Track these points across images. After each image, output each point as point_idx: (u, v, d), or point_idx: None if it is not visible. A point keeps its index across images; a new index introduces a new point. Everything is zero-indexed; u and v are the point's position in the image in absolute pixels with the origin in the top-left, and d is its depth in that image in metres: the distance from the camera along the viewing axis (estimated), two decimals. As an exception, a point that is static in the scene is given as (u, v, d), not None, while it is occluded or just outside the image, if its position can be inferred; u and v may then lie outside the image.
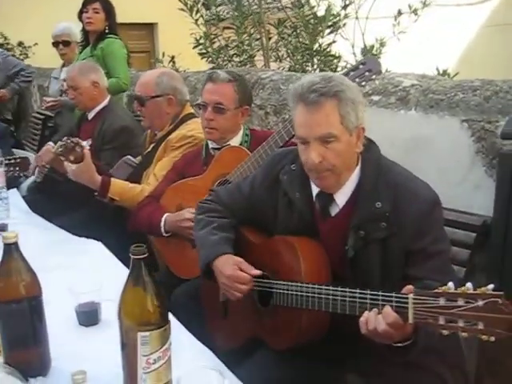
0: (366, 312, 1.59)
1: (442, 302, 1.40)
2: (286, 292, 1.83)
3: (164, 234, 2.71)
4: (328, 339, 1.84)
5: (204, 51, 6.02)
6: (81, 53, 4.95)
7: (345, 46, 5.61)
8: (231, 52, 6.03)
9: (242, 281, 1.93)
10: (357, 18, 5.45)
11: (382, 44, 5.35)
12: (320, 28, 5.11)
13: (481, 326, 1.35)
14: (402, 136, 2.84)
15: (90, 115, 3.84)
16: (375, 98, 2.98)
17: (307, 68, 5.35)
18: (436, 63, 4.83)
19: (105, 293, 1.80)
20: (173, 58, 6.11)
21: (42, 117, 6.15)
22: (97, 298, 1.82)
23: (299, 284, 1.79)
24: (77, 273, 2.14)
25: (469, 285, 1.40)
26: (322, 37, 5.23)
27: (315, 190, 1.92)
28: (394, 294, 1.54)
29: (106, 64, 4.68)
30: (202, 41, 6.08)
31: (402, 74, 3.03)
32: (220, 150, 2.70)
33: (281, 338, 1.88)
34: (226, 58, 5.97)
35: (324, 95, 1.73)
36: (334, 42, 5.28)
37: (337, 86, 1.75)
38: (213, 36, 6.08)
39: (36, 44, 9.57)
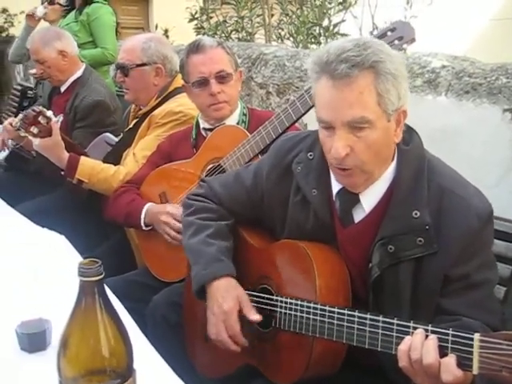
0: (408, 337, 1.24)
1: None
2: (293, 313, 1.48)
3: (143, 228, 2.30)
4: (342, 374, 1.51)
5: (199, 26, 5.61)
6: (65, 17, 4.49)
7: (352, 29, 5.20)
8: (229, 29, 5.60)
9: (232, 331, 1.56)
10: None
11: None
12: (328, 5, 4.66)
13: None
14: (428, 125, 2.41)
15: (63, 87, 3.38)
16: (398, 79, 2.55)
17: (312, 48, 4.93)
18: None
19: (59, 307, 1.34)
20: (166, 31, 5.69)
21: (20, 88, 5.68)
22: (47, 314, 1.42)
23: (312, 304, 1.44)
24: (23, 276, 1.68)
25: None
26: (330, 15, 4.79)
27: (336, 186, 1.51)
28: (450, 332, 1.18)
29: (91, 32, 4.27)
30: (197, 15, 5.69)
31: (431, 53, 2.61)
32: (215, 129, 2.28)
33: (283, 370, 1.54)
34: (223, 35, 5.55)
35: (357, 66, 1.31)
36: (343, 21, 4.85)
37: (375, 54, 1.33)
38: (210, 11, 5.70)
39: (22, 12, 8.97)
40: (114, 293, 1.62)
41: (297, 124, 2.23)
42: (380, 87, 1.33)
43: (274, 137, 2.04)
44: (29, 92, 5.28)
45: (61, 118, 3.13)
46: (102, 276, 0.85)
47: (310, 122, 2.89)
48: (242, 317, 1.60)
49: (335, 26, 4.83)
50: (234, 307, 1.56)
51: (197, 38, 2.40)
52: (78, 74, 3.34)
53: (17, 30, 7.96)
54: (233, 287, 1.59)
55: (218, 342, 1.58)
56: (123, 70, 2.68)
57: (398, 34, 1.92)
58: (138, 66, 2.65)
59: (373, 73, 1.32)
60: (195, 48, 2.27)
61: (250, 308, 1.57)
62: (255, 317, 1.55)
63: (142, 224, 2.28)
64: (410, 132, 1.48)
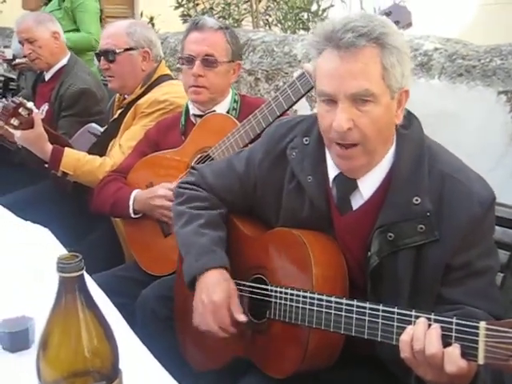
0: (410, 327, 1.19)
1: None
2: (288, 303, 1.43)
3: (132, 215, 2.23)
4: (339, 365, 1.47)
5: (185, 13, 5.54)
6: (46, 4, 4.39)
7: (341, 14, 5.14)
8: (216, 16, 5.54)
9: (223, 323, 1.50)
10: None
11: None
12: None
13: None
14: (420, 109, 2.33)
15: (48, 76, 3.31)
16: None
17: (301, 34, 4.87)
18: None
19: (42, 304, 1.28)
20: (151, 19, 5.58)
21: (2, 79, 5.57)
22: (30, 312, 1.35)
23: (308, 294, 1.38)
24: (5, 273, 1.61)
25: None
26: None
27: (333, 172, 1.46)
28: (454, 320, 1.13)
29: (75, 18, 4.20)
30: (184, 2, 5.62)
31: (422, 35, 2.56)
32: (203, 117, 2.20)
33: (278, 363, 1.48)
34: (210, 22, 5.48)
35: (364, 36, 1.27)
36: (332, 5, 4.79)
37: (382, 26, 1.30)
38: (196, -3, 5.63)
39: (4, 1, 8.81)
40: (102, 289, 1.57)
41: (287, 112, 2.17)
42: (385, 60, 1.29)
43: (265, 126, 1.98)
44: (11, 83, 5.19)
45: (46, 107, 3.06)
46: (82, 271, 0.78)
47: (300, 109, 2.83)
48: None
49: (324, 10, 4.77)
50: (225, 300, 1.49)
51: (201, 16, 2.33)
52: (64, 62, 3.28)
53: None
54: (225, 280, 1.53)
55: (204, 331, 1.53)
56: (108, 55, 2.59)
57: (395, 19, 1.86)
58: (126, 50, 2.57)
59: (379, 45, 1.29)
60: (194, 25, 2.21)
61: (238, 307, 1.51)
62: (241, 317, 1.49)
63: (131, 211, 2.21)
64: (409, 116, 1.43)
